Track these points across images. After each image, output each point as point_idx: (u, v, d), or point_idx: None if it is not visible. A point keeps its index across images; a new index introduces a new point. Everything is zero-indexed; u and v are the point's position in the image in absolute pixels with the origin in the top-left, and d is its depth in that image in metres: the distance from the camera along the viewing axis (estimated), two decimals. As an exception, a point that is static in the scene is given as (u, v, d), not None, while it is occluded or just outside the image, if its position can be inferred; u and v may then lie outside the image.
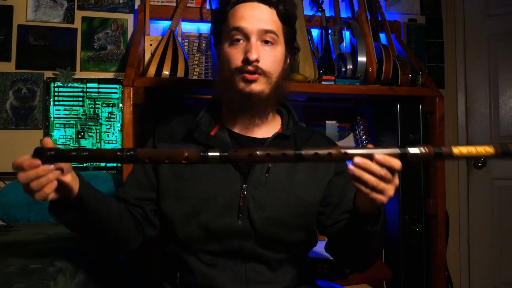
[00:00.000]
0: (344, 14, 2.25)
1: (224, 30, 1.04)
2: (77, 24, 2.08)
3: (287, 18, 1.05)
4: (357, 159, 0.79)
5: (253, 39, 0.99)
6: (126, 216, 1.03)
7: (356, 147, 0.81)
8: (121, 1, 2.12)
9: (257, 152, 0.78)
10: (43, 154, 0.79)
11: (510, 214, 2.34)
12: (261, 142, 1.07)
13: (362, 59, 1.94)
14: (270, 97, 1.03)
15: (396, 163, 0.79)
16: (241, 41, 1.01)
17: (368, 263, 1.06)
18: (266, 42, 1.01)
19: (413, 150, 0.80)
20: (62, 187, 0.84)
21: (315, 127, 2.17)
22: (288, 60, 1.10)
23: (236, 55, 1.00)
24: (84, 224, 0.95)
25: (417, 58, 2.22)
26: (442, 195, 1.89)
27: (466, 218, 2.46)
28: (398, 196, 1.91)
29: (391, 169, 0.79)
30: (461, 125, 2.49)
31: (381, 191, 0.80)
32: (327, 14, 2.17)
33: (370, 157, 0.79)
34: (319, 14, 2.15)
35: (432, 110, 1.90)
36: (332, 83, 1.83)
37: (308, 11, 2.19)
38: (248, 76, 0.99)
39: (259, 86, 1.00)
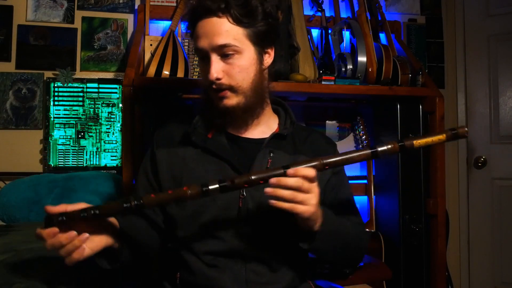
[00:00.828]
0: (344, 14, 2.25)
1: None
2: (77, 24, 2.08)
3: (244, 19, 0.97)
4: (272, 180, 0.82)
5: (213, 57, 0.97)
6: (150, 228, 1.07)
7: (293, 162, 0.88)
8: (121, 1, 2.12)
9: (252, 177, 0.84)
10: (54, 221, 0.79)
11: (510, 214, 2.34)
12: (259, 142, 1.07)
13: (362, 59, 1.94)
14: (250, 104, 1.02)
15: (309, 172, 0.82)
16: (205, 59, 1.00)
17: (345, 266, 1.10)
18: (227, 55, 0.97)
19: (381, 148, 0.88)
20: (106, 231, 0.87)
21: (315, 127, 2.17)
22: (266, 57, 1.05)
23: (204, 74, 1.02)
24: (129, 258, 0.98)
25: (417, 58, 2.22)
26: (442, 195, 1.89)
27: (466, 218, 2.46)
28: (398, 196, 1.91)
29: (307, 178, 0.82)
30: (461, 125, 2.48)
31: (301, 202, 0.82)
32: (327, 14, 2.17)
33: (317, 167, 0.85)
34: (319, 14, 2.15)
35: (432, 110, 1.90)
36: (332, 83, 1.83)
37: (308, 11, 2.18)
38: (217, 94, 1.00)
39: (231, 100, 1.00)
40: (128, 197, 0.82)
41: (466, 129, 0.90)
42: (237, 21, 0.96)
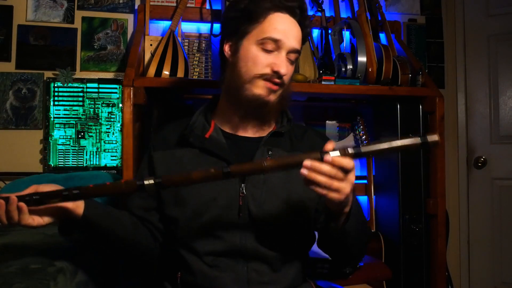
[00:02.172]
0: (344, 14, 2.25)
1: (253, 30, 1.02)
2: (77, 24, 2.08)
3: (304, 40, 1.10)
4: (306, 162, 0.80)
5: (284, 53, 1.02)
6: (141, 225, 1.06)
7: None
8: (121, 1, 2.12)
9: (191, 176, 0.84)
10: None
11: (510, 214, 2.34)
12: (257, 140, 1.07)
13: (362, 59, 1.94)
14: (279, 103, 1.06)
15: (348, 163, 0.81)
16: (273, 51, 1.02)
17: (353, 259, 1.10)
18: (291, 60, 1.04)
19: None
20: (61, 211, 0.89)
21: (315, 127, 2.17)
22: None
23: (265, 62, 1.01)
24: (100, 241, 0.99)
25: (417, 58, 2.22)
26: (442, 195, 1.89)
27: (466, 218, 2.46)
28: (398, 196, 1.91)
29: (342, 168, 0.80)
30: (461, 125, 2.48)
31: (336, 190, 0.81)
32: (327, 14, 2.17)
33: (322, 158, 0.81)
34: (319, 14, 2.15)
35: (432, 110, 1.90)
36: (332, 83, 1.83)
37: (308, 11, 2.18)
38: (273, 87, 1.02)
39: (276, 96, 1.03)
40: (71, 187, 0.87)
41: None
42: (303, 40, 1.09)
